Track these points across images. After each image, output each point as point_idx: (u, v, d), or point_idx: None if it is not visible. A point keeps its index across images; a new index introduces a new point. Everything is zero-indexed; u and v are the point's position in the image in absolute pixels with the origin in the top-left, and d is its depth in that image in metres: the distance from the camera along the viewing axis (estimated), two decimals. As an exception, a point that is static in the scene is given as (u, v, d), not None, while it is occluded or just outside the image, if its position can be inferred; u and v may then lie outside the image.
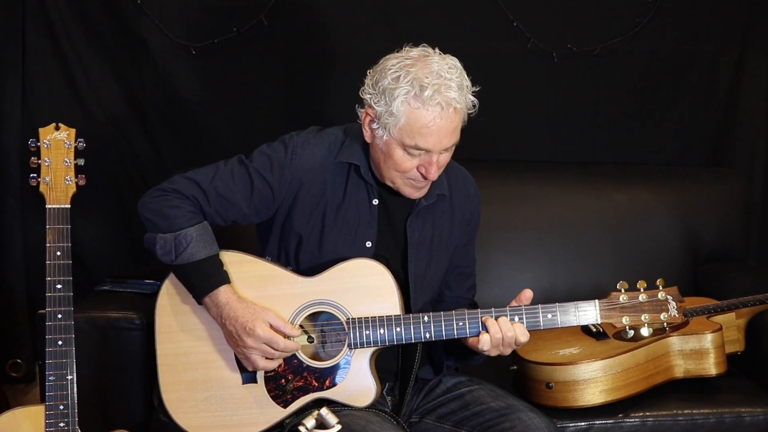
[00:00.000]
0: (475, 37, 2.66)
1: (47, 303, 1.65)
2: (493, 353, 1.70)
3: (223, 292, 1.71)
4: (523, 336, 1.67)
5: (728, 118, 2.79)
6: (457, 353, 1.84)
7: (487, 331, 1.66)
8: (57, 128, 1.67)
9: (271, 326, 1.68)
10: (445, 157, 1.71)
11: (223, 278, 1.72)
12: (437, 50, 1.68)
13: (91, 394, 1.96)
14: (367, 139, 1.73)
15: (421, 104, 1.63)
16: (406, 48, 1.69)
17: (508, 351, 1.70)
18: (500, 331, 1.66)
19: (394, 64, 1.66)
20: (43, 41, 2.61)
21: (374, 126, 1.69)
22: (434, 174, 1.69)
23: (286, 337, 1.69)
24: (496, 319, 1.67)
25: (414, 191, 1.74)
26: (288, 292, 1.73)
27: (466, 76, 1.67)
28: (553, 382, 1.95)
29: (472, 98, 1.68)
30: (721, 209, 2.55)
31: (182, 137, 2.71)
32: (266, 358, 1.70)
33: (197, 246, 1.71)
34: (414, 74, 1.63)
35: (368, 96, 1.69)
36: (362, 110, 1.73)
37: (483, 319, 1.67)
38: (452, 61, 1.67)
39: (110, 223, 2.71)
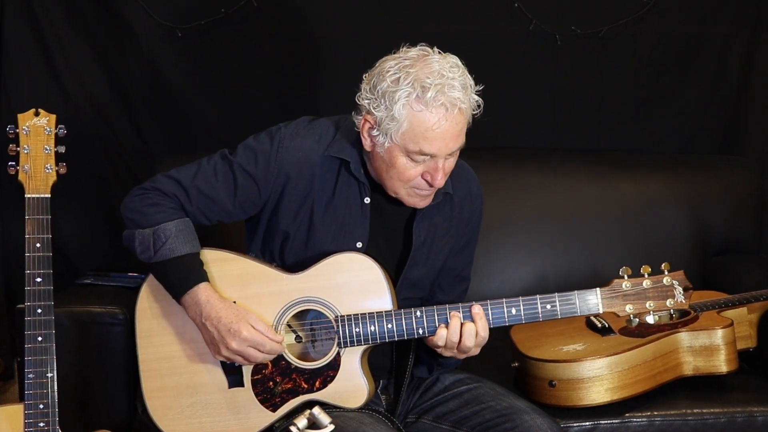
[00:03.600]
0: (473, 18, 2.65)
1: (26, 297, 1.62)
2: (447, 354, 1.68)
3: (203, 290, 1.67)
4: (484, 331, 1.65)
5: (740, 103, 2.77)
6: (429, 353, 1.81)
7: (447, 329, 1.64)
8: (36, 114, 1.64)
9: (255, 329, 1.66)
10: (451, 162, 1.67)
11: (203, 276, 1.69)
12: (436, 49, 1.65)
13: (73, 392, 1.94)
14: (367, 147, 1.68)
15: (424, 106, 1.58)
16: (404, 48, 1.65)
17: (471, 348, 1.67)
18: (458, 334, 1.64)
19: (392, 65, 1.61)
20: (22, 23, 2.58)
21: (374, 133, 1.65)
22: (440, 181, 1.65)
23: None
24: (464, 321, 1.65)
25: (419, 200, 1.70)
26: (273, 290, 1.69)
27: (468, 75, 1.63)
28: (556, 379, 1.92)
29: (477, 97, 1.64)
30: (732, 199, 2.53)
31: (167, 123, 2.71)
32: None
33: (176, 241, 1.68)
34: (414, 75, 1.58)
35: (366, 101, 1.64)
36: (359, 117, 1.67)
37: (451, 314, 1.65)
38: (453, 60, 1.63)
39: (92, 213, 2.70)
